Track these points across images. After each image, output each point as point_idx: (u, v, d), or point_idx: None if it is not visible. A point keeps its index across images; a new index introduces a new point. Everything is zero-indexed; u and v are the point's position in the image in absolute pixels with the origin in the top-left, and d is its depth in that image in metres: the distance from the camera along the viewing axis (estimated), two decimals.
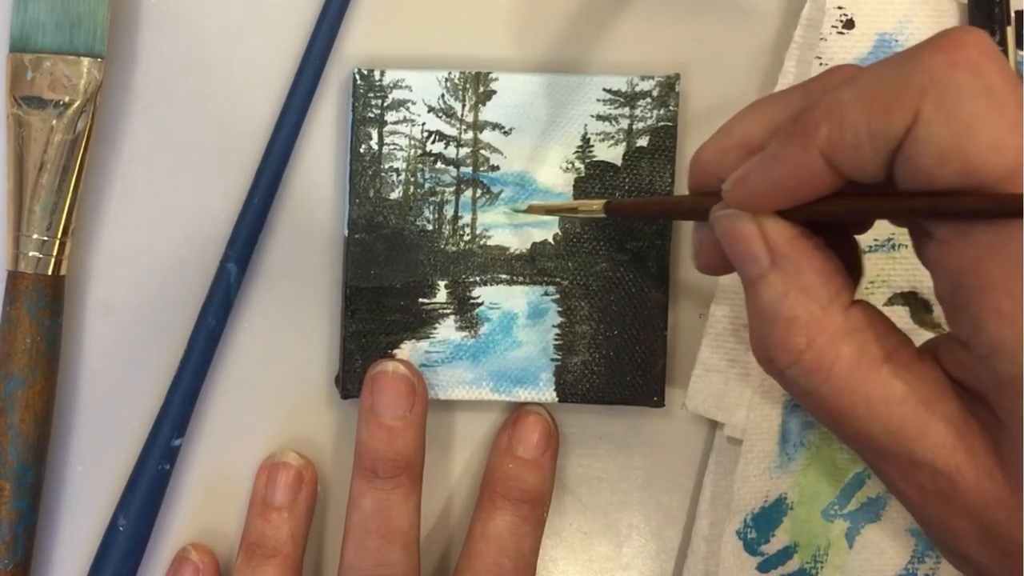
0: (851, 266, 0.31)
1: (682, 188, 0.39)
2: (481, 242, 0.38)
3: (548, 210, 0.38)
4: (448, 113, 0.38)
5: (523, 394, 0.38)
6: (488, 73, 0.38)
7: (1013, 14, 0.38)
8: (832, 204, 0.28)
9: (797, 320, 0.28)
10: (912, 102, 0.26)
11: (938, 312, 0.38)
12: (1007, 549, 0.28)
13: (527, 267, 0.38)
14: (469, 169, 0.38)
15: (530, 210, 0.38)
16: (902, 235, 0.37)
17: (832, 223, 0.30)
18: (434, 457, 0.39)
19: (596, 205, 0.35)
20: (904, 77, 0.26)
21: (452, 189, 0.38)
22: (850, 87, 0.27)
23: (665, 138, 0.38)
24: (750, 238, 0.29)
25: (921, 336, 0.37)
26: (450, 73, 0.38)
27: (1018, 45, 0.38)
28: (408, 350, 0.38)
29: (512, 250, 0.38)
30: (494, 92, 0.38)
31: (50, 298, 0.37)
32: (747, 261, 0.29)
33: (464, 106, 0.38)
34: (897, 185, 0.27)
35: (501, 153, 0.38)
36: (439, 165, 0.38)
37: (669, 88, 0.38)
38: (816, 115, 0.28)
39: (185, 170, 0.39)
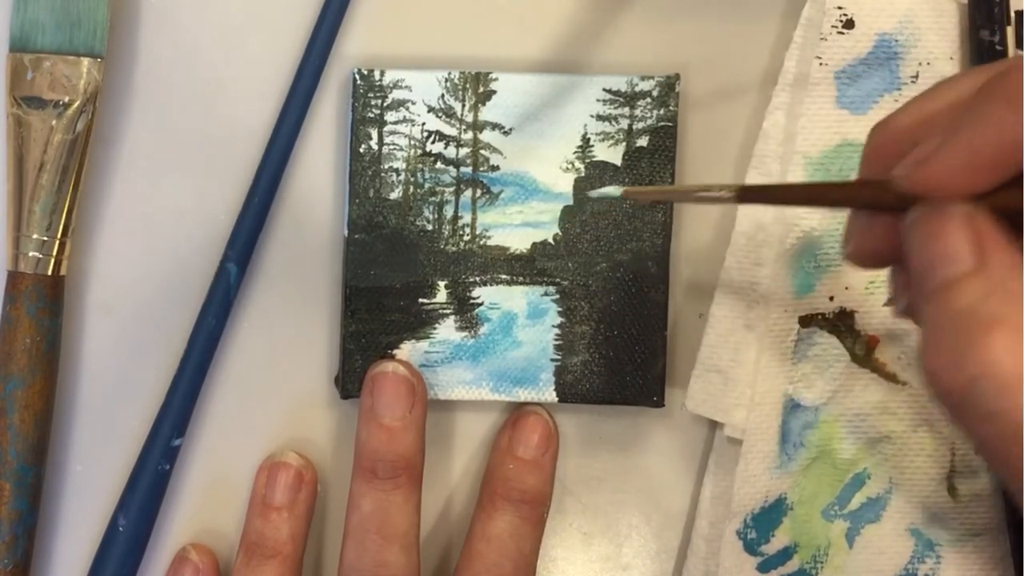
0: None
1: None
2: (481, 242, 0.38)
3: (655, 195, 0.35)
4: (448, 113, 0.38)
5: (523, 394, 0.38)
6: (488, 73, 0.38)
7: (1013, 14, 0.38)
8: None
9: (1001, 324, 0.24)
10: None
11: None
12: None
13: (527, 267, 0.38)
14: (469, 169, 0.38)
15: (626, 195, 0.34)
16: None
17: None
18: (434, 457, 0.39)
19: (726, 191, 0.29)
20: None
21: (452, 189, 0.38)
22: None
23: (665, 138, 0.38)
24: (956, 235, 0.25)
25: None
26: (450, 73, 0.38)
27: (1018, 45, 0.38)
28: (408, 350, 0.38)
29: (512, 250, 0.38)
30: (494, 92, 0.38)
31: (50, 298, 0.37)
32: (945, 262, 0.25)
33: (464, 106, 0.38)
34: None
35: (501, 153, 0.38)
36: (439, 165, 0.38)
37: (669, 88, 0.38)
38: None
39: (185, 170, 0.39)
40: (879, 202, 0.27)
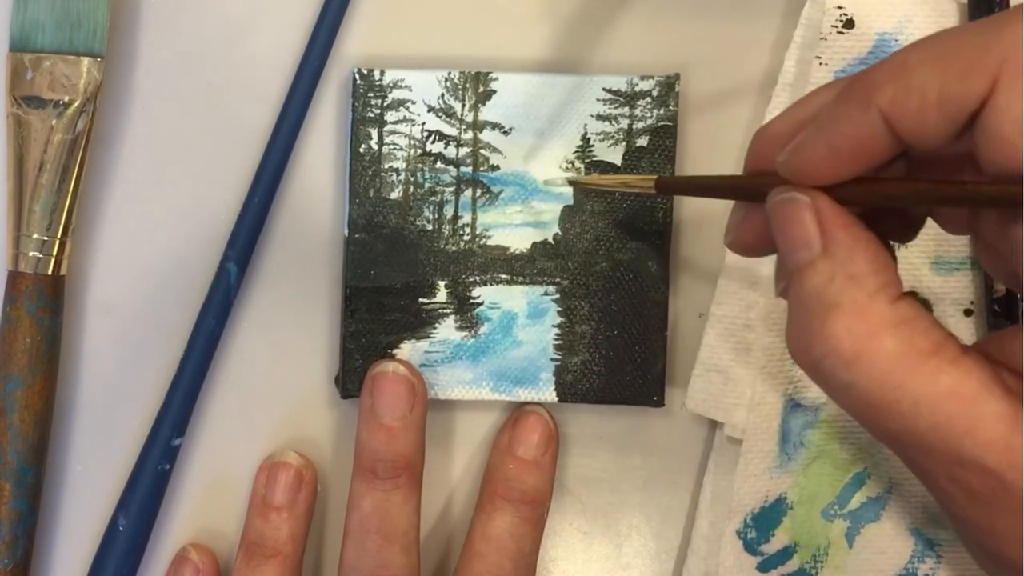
0: None
1: None
2: (481, 242, 0.38)
3: (591, 183, 0.37)
4: (448, 113, 0.38)
5: (523, 394, 0.38)
6: (488, 73, 0.38)
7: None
8: (894, 188, 0.27)
9: (840, 306, 0.27)
10: (991, 68, 0.25)
11: (938, 312, 0.38)
12: None
13: (527, 267, 0.38)
14: (469, 169, 0.38)
15: (571, 183, 0.37)
16: None
17: (879, 228, 0.29)
18: (434, 457, 0.39)
19: (647, 182, 0.34)
20: (984, 43, 0.25)
21: (452, 189, 0.38)
22: (920, 50, 0.26)
23: (665, 138, 0.38)
24: (805, 222, 0.28)
25: None
26: (450, 73, 0.38)
27: None
28: (408, 350, 0.38)
29: (512, 250, 0.38)
30: (494, 92, 0.38)
31: (50, 298, 0.37)
32: (798, 247, 0.28)
33: (464, 106, 0.38)
34: (978, 158, 0.26)
35: (501, 153, 0.38)
36: (439, 165, 0.38)
37: (669, 88, 0.38)
38: (881, 75, 0.27)
39: (185, 170, 0.39)
40: (758, 194, 0.30)
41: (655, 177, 0.34)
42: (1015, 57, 0.25)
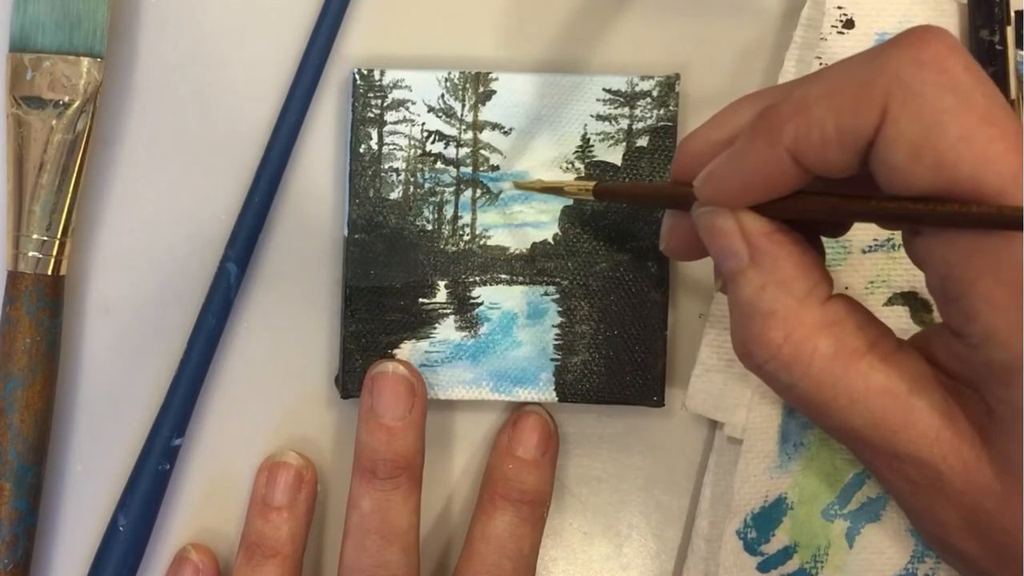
0: None
1: None
2: (481, 242, 0.38)
3: (535, 188, 0.38)
4: (448, 113, 0.38)
5: (523, 394, 0.38)
6: (488, 73, 0.38)
7: (1013, 14, 0.38)
8: (809, 203, 0.28)
9: (774, 314, 0.28)
10: (879, 101, 0.26)
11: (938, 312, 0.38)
12: (996, 538, 0.28)
13: (527, 267, 0.38)
14: (469, 169, 0.38)
15: (516, 186, 0.38)
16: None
17: (808, 223, 0.30)
18: (434, 457, 0.39)
19: (585, 187, 0.36)
20: (870, 76, 0.26)
21: (452, 189, 0.38)
22: (817, 85, 0.27)
23: (665, 138, 0.38)
24: (730, 234, 0.29)
25: None
26: (450, 73, 0.38)
27: (1018, 45, 0.38)
28: (408, 350, 0.38)
29: (512, 250, 0.38)
30: (494, 92, 0.38)
31: (50, 298, 0.37)
32: (727, 257, 0.29)
33: (464, 106, 0.38)
34: (876, 183, 0.27)
35: (501, 153, 0.38)
36: (439, 165, 0.38)
37: (669, 88, 0.38)
38: (783, 113, 0.28)
39: (185, 170, 0.39)
40: (687, 204, 0.31)
41: (593, 183, 0.36)
42: (898, 87, 0.26)
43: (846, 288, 0.38)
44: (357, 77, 0.38)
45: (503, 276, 0.38)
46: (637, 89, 0.38)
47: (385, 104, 0.38)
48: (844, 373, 0.28)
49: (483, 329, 0.38)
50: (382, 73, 0.38)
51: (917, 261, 0.28)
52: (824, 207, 0.28)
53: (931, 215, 0.26)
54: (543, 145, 0.38)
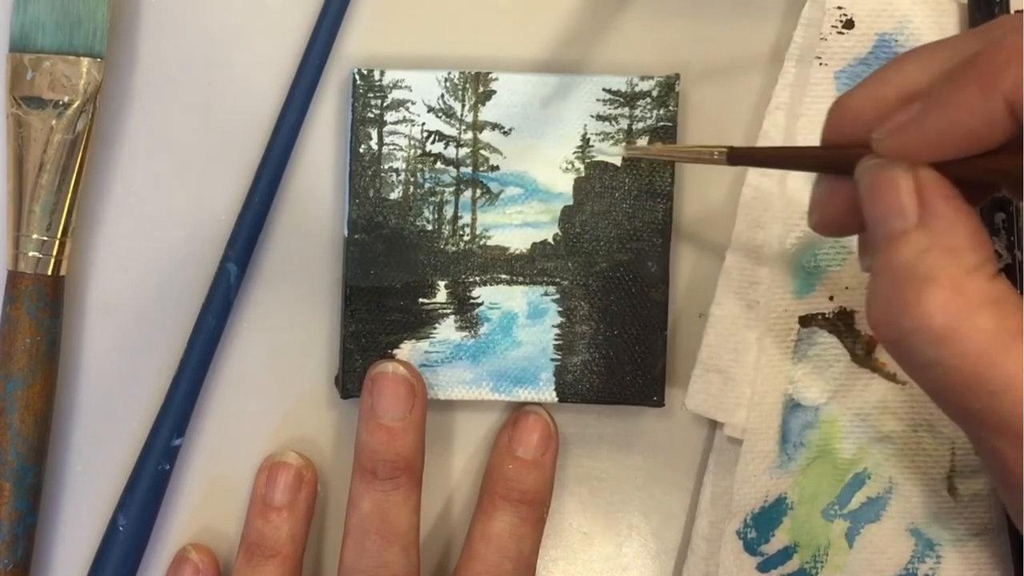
0: None
1: (682, 187, 0.39)
2: (481, 242, 0.38)
3: (653, 153, 0.36)
4: (448, 113, 0.38)
5: (523, 394, 0.38)
6: (488, 73, 0.38)
7: (1013, 14, 0.38)
8: (1005, 162, 0.26)
9: (936, 281, 0.26)
10: None
11: None
12: None
13: (527, 267, 0.38)
14: (469, 169, 0.38)
15: (629, 153, 0.36)
16: None
17: (992, 182, 0.28)
18: (434, 457, 0.39)
19: (718, 152, 0.32)
20: None
21: (452, 189, 0.38)
22: None
23: (665, 138, 0.38)
24: (902, 190, 0.27)
25: None
26: (450, 73, 0.38)
27: None
28: (408, 350, 0.38)
29: (512, 250, 0.38)
30: (494, 92, 0.38)
31: (50, 298, 0.37)
32: (892, 215, 0.27)
33: (464, 106, 0.38)
34: None
35: (501, 153, 0.38)
36: (439, 165, 0.38)
37: (669, 88, 0.38)
38: (1000, 57, 0.26)
39: (185, 170, 0.39)
40: (846, 165, 0.29)
41: (728, 147, 0.32)
42: None
43: (846, 288, 0.38)
44: (357, 77, 0.38)
45: (503, 276, 0.38)
46: (637, 89, 0.38)
47: (385, 104, 0.38)
48: (1004, 354, 0.26)
49: (483, 329, 0.38)
50: (382, 73, 0.38)
51: None
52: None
53: None
54: (543, 145, 0.38)
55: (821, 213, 0.31)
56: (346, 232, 0.38)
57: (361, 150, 0.38)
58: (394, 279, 0.38)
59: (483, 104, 0.38)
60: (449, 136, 0.38)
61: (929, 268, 0.26)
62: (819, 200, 0.31)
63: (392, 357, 0.38)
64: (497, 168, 0.38)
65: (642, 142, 0.38)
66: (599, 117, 0.38)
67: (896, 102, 0.28)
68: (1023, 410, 0.26)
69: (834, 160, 0.30)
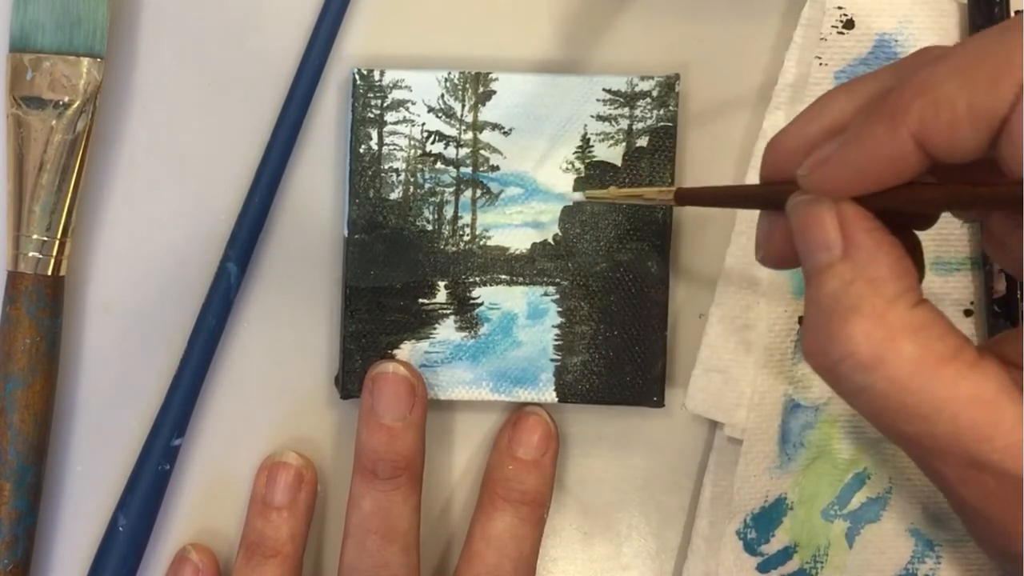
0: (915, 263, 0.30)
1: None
2: (481, 242, 0.38)
3: (609, 197, 0.36)
4: (448, 113, 0.38)
5: (523, 394, 0.38)
6: (488, 73, 0.38)
7: (1013, 14, 0.38)
8: (921, 192, 0.27)
9: (859, 311, 0.27)
10: (1017, 76, 0.25)
11: None
12: None
13: (527, 267, 0.38)
14: (469, 169, 0.38)
15: (588, 197, 0.36)
16: None
17: (898, 218, 0.29)
18: (434, 457, 0.39)
19: (666, 193, 0.33)
20: (1005, 52, 0.25)
21: (452, 189, 0.38)
22: (945, 63, 0.26)
23: (665, 138, 0.38)
24: (826, 225, 0.28)
25: None
26: (450, 73, 0.38)
27: None
28: (408, 350, 0.38)
29: (512, 250, 0.38)
30: (494, 92, 0.38)
31: (50, 298, 0.37)
32: (818, 249, 0.28)
33: (464, 106, 0.38)
34: (1002, 166, 0.26)
35: (501, 153, 0.38)
36: (439, 165, 0.38)
37: (669, 88, 0.38)
38: (907, 94, 0.26)
39: (185, 170, 0.39)
40: (781, 202, 0.30)
41: (675, 188, 0.33)
42: None
43: None
44: (357, 77, 0.38)
45: (503, 276, 0.38)
46: (637, 89, 0.38)
47: (385, 104, 0.38)
48: (931, 379, 0.27)
49: (483, 329, 0.38)
50: (382, 73, 0.38)
51: (998, 255, 0.28)
52: (942, 195, 0.27)
53: None
54: (543, 145, 0.38)
55: (766, 248, 0.32)
56: (346, 232, 0.38)
57: (361, 150, 0.38)
58: (394, 279, 0.38)
59: (483, 104, 0.38)
60: (449, 136, 0.38)
61: (853, 299, 0.27)
62: (763, 236, 0.32)
63: (392, 357, 0.38)
64: (497, 168, 0.38)
65: (642, 142, 0.38)
66: (599, 117, 0.38)
67: (823, 138, 0.29)
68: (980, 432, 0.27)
69: (771, 197, 0.31)
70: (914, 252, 0.31)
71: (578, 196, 0.38)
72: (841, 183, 0.28)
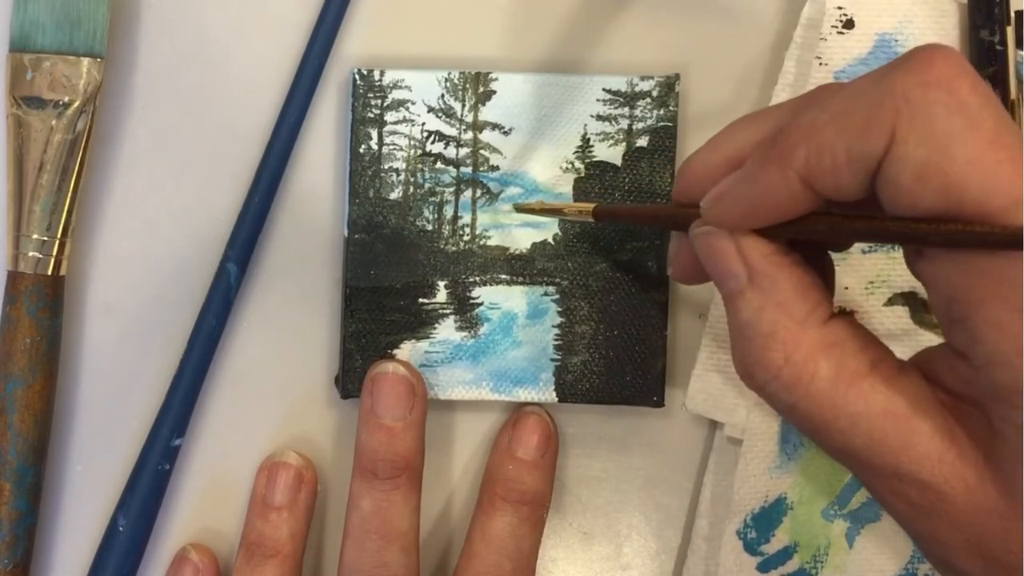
0: (826, 282, 0.31)
1: None
2: (481, 242, 0.38)
3: (534, 211, 0.38)
4: (448, 113, 0.38)
5: (523, 394, 0.38)
6: (488, 73, 0.38)
7: (1013, 14, 0.38)
8: (812, 224, 0.28)
9: (774, 336, 0.28)
10: (887, 122, 0.26)
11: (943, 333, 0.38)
12: (1000, 559, 0.27)
13: (527, 267, 0.38)
14: (469, 169, 0.38)
15: (517, 209, 0.38)
16: None
17: (810, 240, 0.30)
18: (434, 457, 0.39)
19: (585, 209, 0.36)
20: (877, 98, 0.26)
21: (452, 189, 0.38)
22: (825, 109, 0.27)
23: (665, 138, 0.38)
24: (728, 255, 0.29)
25: (921, 336, 0.37)
26: (450, 73, 0.38)
27: (1018, 45, 0.38)
28: (408, 350, 0.38)
29: (512, 250, 0.38)
30: (494, 92, 0.38)
31: (50, 298, 0.37)
32: (725, 277, 0.29)
33: (464, 106, 0.38)
34: (881, 205, 0.27)
35: (501, 153, 0.38)
36: (439, 165, 0.38)
37: (669, 88, 0.38)
38: (793, 138, 0.27)
39: (185, 170, 0.39)
40: (688, 225, 0.31)
41: (593, 205, 0.35)
42: (906, 108, 0.26)
43: (846, 288, 0.38)
44: (357, 77, 0.38)
45: (503, 276, 0.38)
46: (637, 89, 0.38)
47: (385, 104, 0.38)
48: (845, 395, 0.28)
49: (483, 329, 0.38)
50: (382, 73, 0.38)
51: (923, 282, 0.28)
52: (826, 227, 0.28)
53: (935, 235, 0.26)
54: (543, 145, 0.38)
55: (676, 265, 0.33)
56: (346, 232, 0.38)
57: (361, 150, 0.38)
58: (394, 279, 0.38)
59: (483, 104, 0.38)
60: (449, 136, 0.38)
61: (767, 325, 0.29)
62: (673, 253, 0.33)
63: (392, 357, 0.38)
64: (497, 168, 0.38)
65: (642, 142, 0.38)
66: (599, 117, 0.38)
67: (727, 166, 0.30)
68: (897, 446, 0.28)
69: (680, 219, 0.32)
70: (825, 272, 0.32)
71: (506, 207, 0.38)
72: (737, 218, 0.29)
